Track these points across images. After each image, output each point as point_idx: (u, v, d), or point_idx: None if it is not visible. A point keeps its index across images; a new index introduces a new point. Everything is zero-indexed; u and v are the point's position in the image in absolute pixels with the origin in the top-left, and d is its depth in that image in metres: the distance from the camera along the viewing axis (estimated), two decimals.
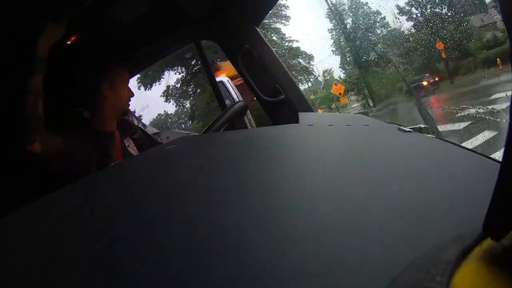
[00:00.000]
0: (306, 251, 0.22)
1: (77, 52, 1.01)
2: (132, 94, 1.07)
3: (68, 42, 0.97)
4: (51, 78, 0.74)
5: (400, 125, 0.64)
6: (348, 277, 0.19)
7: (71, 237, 0.30)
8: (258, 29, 1.22)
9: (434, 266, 0.17)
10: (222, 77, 1.44)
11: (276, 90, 1.20)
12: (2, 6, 0.67)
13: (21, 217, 0.39)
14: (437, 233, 0.22)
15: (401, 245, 0.21)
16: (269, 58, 1.21)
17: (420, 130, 0.60)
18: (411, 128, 0.59)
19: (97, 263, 0.24)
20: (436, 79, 10.55)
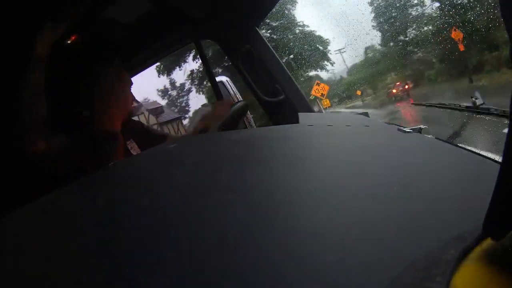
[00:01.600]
0: (305, 251, 0.22)
1: (76, 51, 1.01)
2: (133, 97, 1.05)
3: (68, 42, 0.97)
4: (51, 77, 0.74)
5: (400, 126, 0.64)
6: (348, 277, 0.19)
7: (71, 236, 0.30)
8: (258, 29, 1.22)
9: (434, 266, 0.17)
10: (222, 77, 1.44)
11: (276, 90, 1.20)
12: (1, 5, 0.67)
13: (20, 217, 0.39)
14: (437, 233, 0.22)
15: (401, 245, 0.21)
16: (269, 58, 1.21)
17: (419, 130, 0.60)
18: (410, 129, 0.59)
19: (97, 262, 0.24)
20: (406, 87, 11.48)
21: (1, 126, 0.74)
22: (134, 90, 1.07)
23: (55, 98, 0.79)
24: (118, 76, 1.00)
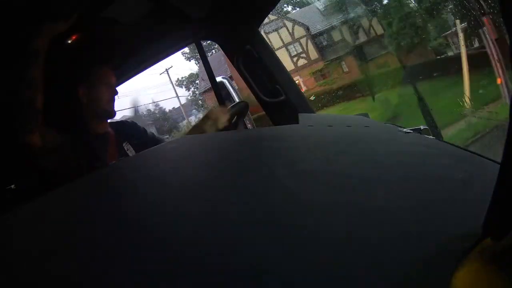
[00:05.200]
0: (306, 251, 0.22)
1: (75, 51, 1.01)
2: (116, 92, 1.04)
3: (69, 41, 0.97)
4: (47, 73, 0.75)
5: (400, 126, 0.64)
6: (349, 277, 0.19)
7: (70, 236, 0.30)
8: (258, 29, 1.22)
9: (434, 266, 0.17)
10: (222, 78, 1.45)
11: (276, 91, 1.20)
12: (1, 3, 0.67)
13: (19, 215, 0.39)
14: (437, 233, 0.22)
15: (401, 245, 0.21)
16: (269, 58, 1.21)
17: (420, 131, 0.60)
18: (410, 129, 0.59)
19: (95, 262, 0.24)
20: None
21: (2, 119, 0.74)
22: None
23: (49, 94, 0.79)
24: (99, 76, 1.00)
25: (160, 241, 0.25)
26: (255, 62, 1.20)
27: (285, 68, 1.24)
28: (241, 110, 1.07)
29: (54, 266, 0.25)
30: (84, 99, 0.97)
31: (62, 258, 0.26)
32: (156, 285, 0.20)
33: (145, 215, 0.30)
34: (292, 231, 0.24)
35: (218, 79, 1.38)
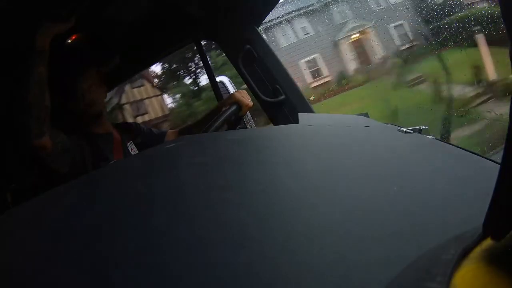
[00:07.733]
0: (305, 251, 0.22)
1: (75, 51, 1.01)
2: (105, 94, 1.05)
3: (69, 41, 0.97)
4: (50, 76, 0.74)
5: (400, 126, 0.64)
6: (348, 277, 0.19)
7: (68, 235, 0.30)
8: (258, 29, 1.22)
9: (434, 266, 0.17)
10: (222, 77, 1.45)
11: (276, 91, 1.20)
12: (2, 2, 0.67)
13: (19, 214, 0.39)
14: (437, 233, 0.22)
15: (401, 245, 0.21)
16: (269, 58, 1.21)
17: (419, 131, 0.60)
18: (410, 129, 0.59)
19: (94, 263, 0.24)
20: None
21: (6, 120, 0.74)
22: None
23: (53, 94, 0.79)
24: (93, 76, 0.99)
25: (159, 241, 0.25)
26: (255, 62, 1.20)
27: (285, 68, 1.24)
28: (239, 108, 1.07)
29: (53, 266, 0.25)
30: (80, 101, 0.97)
31: (61, 258, 0.26)
32: (155, 285, 0.20)
33: (143, 215, 0.30)
34: (291, 231, 0.24)
35: (218, 79, 1.38)
